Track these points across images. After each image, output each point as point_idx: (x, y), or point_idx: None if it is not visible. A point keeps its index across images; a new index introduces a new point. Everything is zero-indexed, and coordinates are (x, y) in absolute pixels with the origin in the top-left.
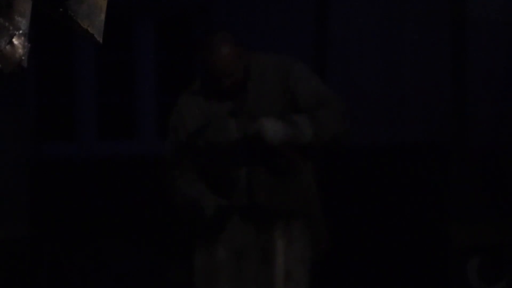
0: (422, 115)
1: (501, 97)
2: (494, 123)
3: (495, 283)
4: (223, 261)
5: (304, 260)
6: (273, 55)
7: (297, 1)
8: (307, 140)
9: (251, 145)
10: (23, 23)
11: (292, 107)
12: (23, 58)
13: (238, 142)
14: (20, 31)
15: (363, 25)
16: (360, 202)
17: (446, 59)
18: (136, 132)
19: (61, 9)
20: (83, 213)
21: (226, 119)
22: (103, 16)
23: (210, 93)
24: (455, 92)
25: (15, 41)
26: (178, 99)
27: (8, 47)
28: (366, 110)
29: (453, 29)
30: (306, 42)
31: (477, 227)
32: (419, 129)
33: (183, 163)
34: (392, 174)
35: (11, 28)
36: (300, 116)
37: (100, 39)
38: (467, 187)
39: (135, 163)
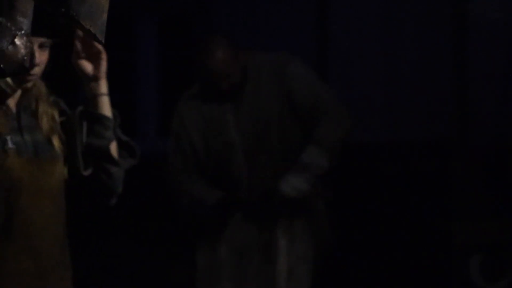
0: (423, 113)
1: (502, 95)
2: (496, 122)
3: (497, 281)
4: (225, 259)
5: (306, 258)
6: (270, 54)
7: (298, 0)
8: (325, 169)
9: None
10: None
11: (290, 105)
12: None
13: (238, 142)
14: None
15: (364, 23)
16: (361, 200)
17: (447, 57)
18: (137, 131)
19: (63, 9)
20: (84, 212)
21: (225, 121)
22: (105, 16)
23: (209, 96)
24: (456, 90)
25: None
26: (178, 103)
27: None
28: (367, 108)
29: (455, 27)
30: (307, 40)
31: (479, 224)
32: (420, 127)
33: (187, 167)
34: (394, 172)
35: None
36: (310, 151)
37: (102, 39)
38: (469, 185)
39: (137, 162)
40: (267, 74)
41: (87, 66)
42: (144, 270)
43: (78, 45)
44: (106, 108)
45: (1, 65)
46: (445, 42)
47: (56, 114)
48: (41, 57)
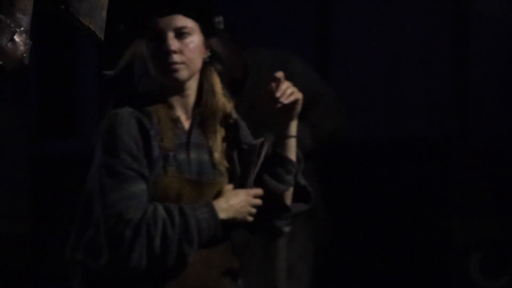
0: (424, 111)
1: (503, 93)
2: (497, 120)
3: (497, 279)
4: None
5: (306, 255)
6: (270, 50)
7: None
8: (309, 148)
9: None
10: (25, 20)
11: None
12: (24, 55)
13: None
14: (22, 28)
15: (365, 22)
16: (362, 198)
17: (448, 56)
18: None
19: (62, 7)
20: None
21: None
22: (104, 13)
23: None
24: (457, 88)
25: (16, 38)
26: None
27: (9, 44)
28: (368, 106)
29: (455, 25)
30: (308, 37)
31: (479, 223)
32: (421, 125)
33: None
34: (394, 170)
35: (12, 25)
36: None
37: (101, 36)
38: (469, 183)
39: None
40: (267, 70)
41: (284, 105)
42: None
43: (280, 83)
44: (292, 151)
45: (1, 62)
46: (446, 40)
47: (231, 133)
48: (180, 44)
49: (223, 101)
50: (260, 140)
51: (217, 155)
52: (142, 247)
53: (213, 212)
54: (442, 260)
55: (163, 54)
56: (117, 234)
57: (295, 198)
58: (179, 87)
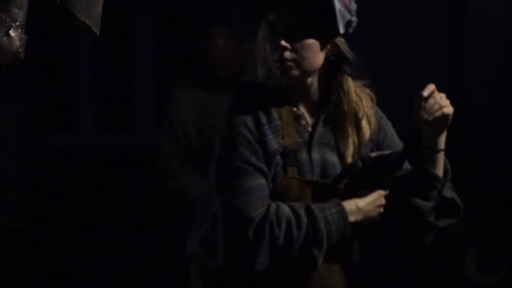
0: None
1: (499, 92)
2: (492, 119)
3: (492, 275)
4: None
5: None
6: None
7: None
8: None
9: None
10: (20, 15)
11: None
12: (20, 50)
13: None
14: (17, 23)
15: (362, 21)
16: None
17: (445, 54)
18: (134, 123)
19: (58, 1)
20: (81, 204)
21: (220, 110)
22: (100, 8)
23: (206, 84)
24: (454, 87)
25: (12, 33)
26: (173, 89)
27: (5, 39)
28: None
29: (453, 22)
30: None
31: (474, 219)
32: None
33: (180, 153)
34: None
35: (8, 20)
36: None
37: (97, 31)
38: (465, 181)
39: (133, 155)
40: None
41: (431, 122)
42: (139, 262)
43: (428, 99)
44: (439, 165)
45: None
46: (443, 40)
47: (365, 136)
48: (294, 41)
49: (357, 101)
50: (396, 157)
51: (349, 160)
52: (266, 249)
53: (343, 213)
54: (438, 256)
55: (275, 49)
56: (239, 235)
57: (442, 211)
58: (297, 84)
